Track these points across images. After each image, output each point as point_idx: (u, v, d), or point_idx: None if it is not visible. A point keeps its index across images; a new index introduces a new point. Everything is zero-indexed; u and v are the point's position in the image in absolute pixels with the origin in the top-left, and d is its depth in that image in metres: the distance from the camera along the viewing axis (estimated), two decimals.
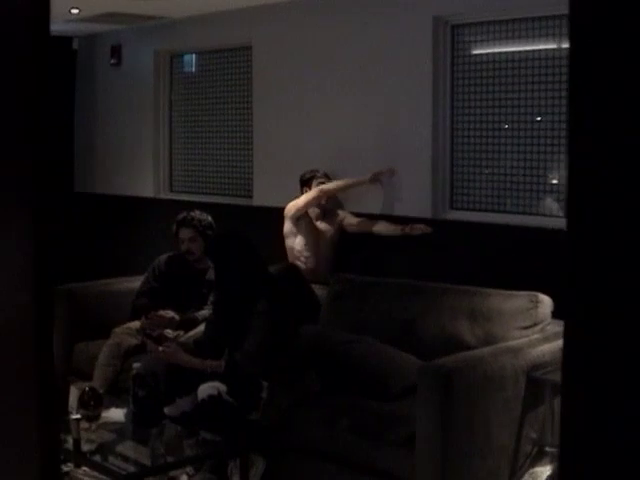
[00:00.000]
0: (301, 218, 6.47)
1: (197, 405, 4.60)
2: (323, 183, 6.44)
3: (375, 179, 6.36)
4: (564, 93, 5.50)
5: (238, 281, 4.98)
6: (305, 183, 6.50)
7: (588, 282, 1.35)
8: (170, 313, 5.80)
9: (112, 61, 8.52)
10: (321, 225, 6.48)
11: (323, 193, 6.38)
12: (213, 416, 4.53)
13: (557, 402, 4.50)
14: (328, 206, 6.51)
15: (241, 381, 4.68)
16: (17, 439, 1.49)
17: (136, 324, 5.88)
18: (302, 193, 6.49)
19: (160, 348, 4.98)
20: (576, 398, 1.33)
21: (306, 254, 6.42)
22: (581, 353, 1.35)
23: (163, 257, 6.20)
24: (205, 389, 4.58)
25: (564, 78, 5.50)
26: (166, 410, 4.66)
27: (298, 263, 6.34)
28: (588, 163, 1.28)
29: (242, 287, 4.97)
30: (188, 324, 5.75)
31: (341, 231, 6.46)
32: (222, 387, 4.60)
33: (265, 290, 4.98)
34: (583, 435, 1.29)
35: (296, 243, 6.46)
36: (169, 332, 5.67)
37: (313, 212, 6.49)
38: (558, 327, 4.89)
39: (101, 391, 4.81)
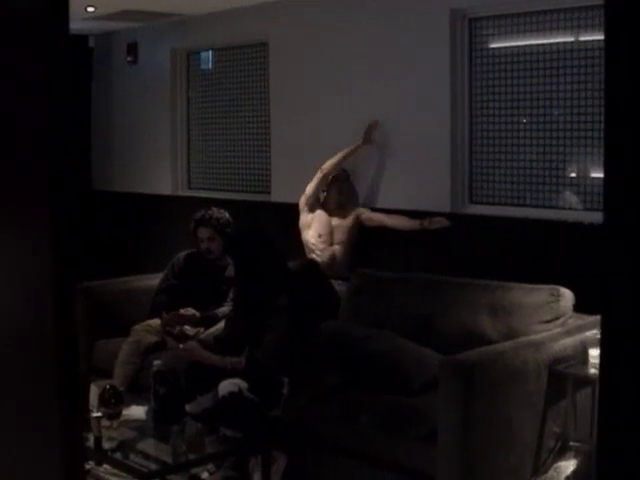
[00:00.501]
0: (315, 209, 6.49)
1: (218, 402, 4.59)
2: (337, 176, 6.46)
3: (367, 139, 6.44)
4: (583, 86, 5.47)
5: (258, 277, 4.97)
6: None
7: (626, 276, 1.32)
8: (190, 310, 5.80)
9: (128, 59, 8.52)
10: (336, 219, 6.48)
11: (325, 171, 6.44)
12: (234, 413, 4.52)
13: (579, 396, 4.48)
14: (343, 199, 6.50)
15: (262, 377, 4.67)
16: (41, 437, 1.48)
17: (156, 321, 5.88)
18: None
19: (180, 345, 4.98)
20: (615, 394, 1.31)
21: (321, 246, 6.42)
22: (619, 348, 1.32)
23: (182, 254, 6.20)
24: (226, 386, 4.58)
25: (583, 71, 5.47)
26: (187, 407, 4.65)
27: (313, 256, 6.36)
28: (625, 156, 1.26)
29: (262, 283, 4.96)
30: (208, 321, 5.74)
31: (359, 226, 6.46)
32: (243, 384, 4.59)
33: (285, 286, 4.97)
34: (621, 433, 1.27)
35: (310, 236, 6.48)
36: (189, 329, 5.67)
37: (327, 205, 6.50)
38: (579, 320, 4.87)
39: (122, 389, 4.81)
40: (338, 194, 6.47)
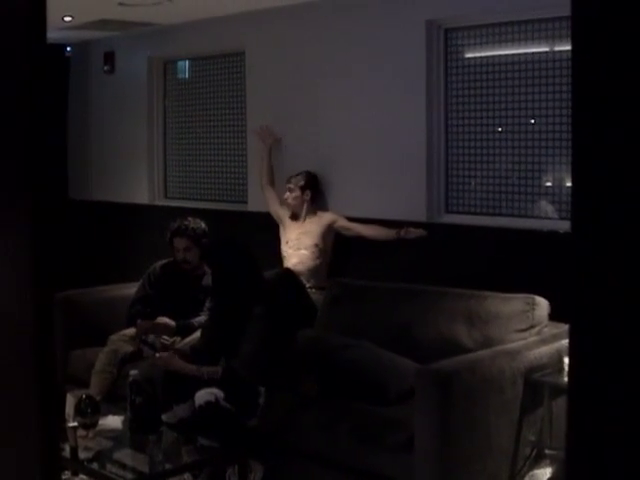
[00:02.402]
0: (283, 221, 6.64)
1: (194, 411, 4.57)
2: (293, 184, 6.58)
3: (266, 142, 6.94)
4: (557, 96, 5.50)
5: (235, 286, 4.96)
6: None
7: (593, 284, 1.34)
8: (164, 319, 5.78)
9: (105, 68, 8.50)
10: (304, 224, 6.50)
11: (263, 180, 6.89)
12: (211, 422, 4.50)
13: (555, 404, 4.49)
14: (300, 208, 6.54)
15: (238, 387, 4.66)
16: (17, 446, 1.47)
17: (132, 331, 5.86)
18: None
19: (157, 354, 4.96)
20: (583, 401, 1.32)
21: (289, 252, 6.48)
22: (586, 355, 1.33)
23: (158, 264, 6.17)
24: (202, 395, 4.56)
25: (557, 81, 5.50)
26: (163, 417, 4.63)
27: (285, 262, 6.39)
28: (592, 165, 1.27)
29: (239, 292, 4.96)
30: (184, 330, 5.73)
31: (334, 234, 6.46)
32: (219, 393, 4.57)
33: (261, 295, 4.97)
34: (590, 439, 1.28)
35: (282, 242, 6.53)
36: (166, 339, 5.65)
37: (290, 211, 6.61)
38: (555, 329, 4.88)
39: (98, 398, 4.79)
40: (298, 198, 6.54)
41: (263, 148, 6.94)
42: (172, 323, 5.76)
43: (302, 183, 6.55)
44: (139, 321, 5.80)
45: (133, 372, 4.80)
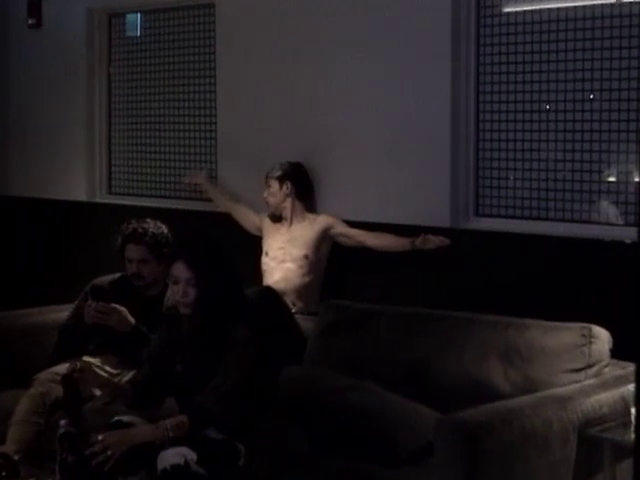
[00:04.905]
0: (263, 222, 6.79)
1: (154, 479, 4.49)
2: (269, 177, 6.67)
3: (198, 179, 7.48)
4: (625, 63, 5.49)
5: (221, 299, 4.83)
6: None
7: None
8: (123, 309, 5.63)
9: (30, 21, 8.51)
10: (291, 229, 6.52)
11: (221, 206, 7.28)
12: None
13: (620, 468, 4.46)
14: (282, 206, 6.58)
15: (213, 445, 4.58)
16: None
17: (63, 368, 5.81)
18: None
19: (99, 437, 4.73)
20: None
21: (271, 264, 6.59)
22: None
23: (102, 280, 6.07)
24: (168, 457, 4.44)
25: (625, 43, 5.49)
26: None
27: (265, 279, 6.40)
28: None
29: (222, 307, 4.84)
30: (138, 340, 5.54)
31: (330, 243, 6.46)
32: (191, 454, 4.48)
33: (243, 315, 4.88)
34: None
35: (262, 252, 6.62)
36: (111, 370, 5.60)
37: (270, 212, 6.72)
38: (619, 370, 4.87)
39: (16, 458, 4.76)
40: (276, 193, 6.62)
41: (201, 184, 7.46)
42: (131, 319, 5.63)
43: (279, 173, 6.56)
44: (89, 302, 5.69)
45: (64, 422, 4.75)
